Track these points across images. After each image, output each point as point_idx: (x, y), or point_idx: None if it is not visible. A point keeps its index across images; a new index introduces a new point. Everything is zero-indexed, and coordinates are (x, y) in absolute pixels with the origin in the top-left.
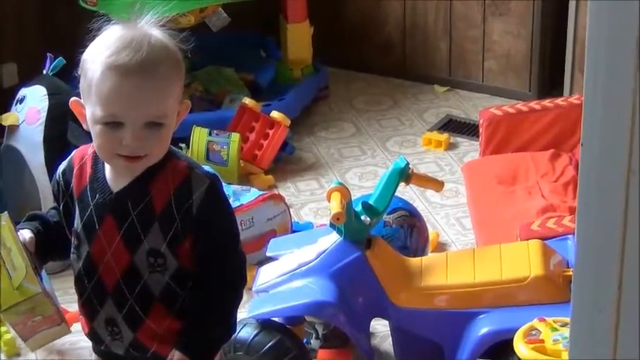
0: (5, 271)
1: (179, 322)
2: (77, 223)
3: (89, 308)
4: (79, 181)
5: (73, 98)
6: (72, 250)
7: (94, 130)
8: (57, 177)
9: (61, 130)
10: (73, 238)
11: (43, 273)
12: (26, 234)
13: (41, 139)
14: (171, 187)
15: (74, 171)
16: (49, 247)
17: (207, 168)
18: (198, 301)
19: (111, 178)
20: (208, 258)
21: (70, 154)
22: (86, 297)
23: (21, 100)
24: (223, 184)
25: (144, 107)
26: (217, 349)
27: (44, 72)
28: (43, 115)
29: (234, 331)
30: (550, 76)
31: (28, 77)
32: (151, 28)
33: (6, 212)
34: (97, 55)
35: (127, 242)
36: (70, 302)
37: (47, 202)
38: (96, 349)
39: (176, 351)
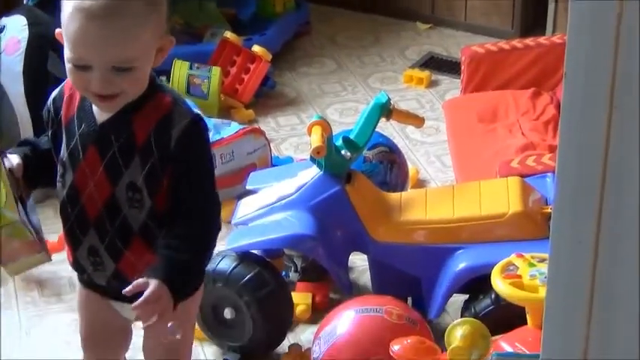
0: None
1: None
2: (63, 151)
3: (73, 236)
4: (68, 109)
5: (58, 29)
6: (58, 177)
7: (67, 67)
8: (48, 104)
9: (41, 60)
10: (59, 166)
11: (30, 201)
12: (14, 159)
13: (21, 69)
14: (153, 120)
15: (64, 98)
16: (37, 173)
17: (192, 104)
18: (169, 232)
19: (97, 109)
20: (181, 194)
21: (48, 84)
22: (70, 225)
23: (1, 30)
24: (204, 117)
25: (109, 52)
26: (187, 276)
27: (24, 2)
28: (23, 45)
29: (204, 267)
30: (533, 15)
31: (8, 7)
32: None
33: None
34: None
35: (108, 174)
36: (49, 233)
37: (26, 133)
38: (80, 278)
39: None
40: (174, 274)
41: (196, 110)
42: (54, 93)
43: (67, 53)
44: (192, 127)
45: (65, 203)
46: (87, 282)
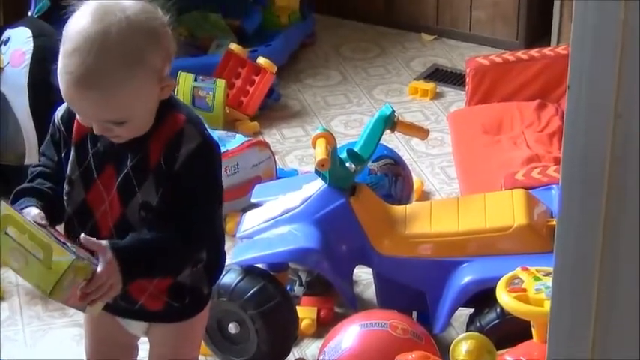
0: (32, 257)
1: (169, 280)
2: (73, 169)
3: None
4: (80, 126)
5: None
6: (64, 195)
7: None
8: (56, 123)
9: (46, 73)
10: (65, 184)
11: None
12: (33, 211)
13: (26, 82)
14: (166, 140)
15: (76, 117)
16: (56, 214)
17: (213, 133)
18: (151, 232)
19: None
20: (176, 211)
21: (53, 97)
22: (79, 243)
23: (5, 42)
24: (208, 128)
25: (94, 114)
26: (143, 260)
27: (29, 14)
28: (28, 57)
29: (167, 267)
30: (538, 26)
31: (13, 19)
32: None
33: (1, 200)
34: (63, 43)
35: (121, 194)
36: None
37: (31, 146)
38: None
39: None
40: (131, 253)
41: (211, 134)
42: (60, 111)
43: None
44: (200, 150)
45: (72, 221)
46: None
